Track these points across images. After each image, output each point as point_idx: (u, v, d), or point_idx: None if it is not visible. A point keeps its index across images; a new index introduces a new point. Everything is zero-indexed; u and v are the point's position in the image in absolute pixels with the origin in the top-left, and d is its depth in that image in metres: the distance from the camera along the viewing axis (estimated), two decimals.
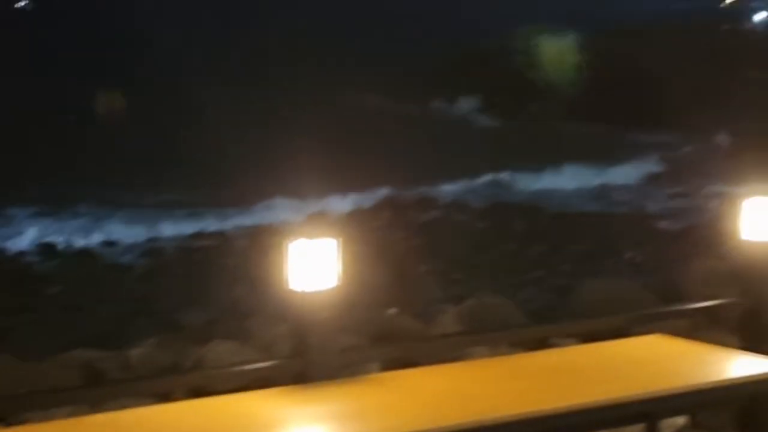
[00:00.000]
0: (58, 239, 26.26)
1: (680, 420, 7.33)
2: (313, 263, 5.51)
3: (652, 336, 6.33)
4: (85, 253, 25.20)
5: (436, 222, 26.78)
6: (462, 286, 19.27)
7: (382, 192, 30.15)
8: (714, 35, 72.58)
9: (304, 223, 22.62)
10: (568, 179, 34.92)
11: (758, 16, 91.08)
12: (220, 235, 26.13)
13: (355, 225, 25.08)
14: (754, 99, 44.69)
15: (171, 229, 27.09)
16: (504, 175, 35.04)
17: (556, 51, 63.76)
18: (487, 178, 34.63)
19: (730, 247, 6.09)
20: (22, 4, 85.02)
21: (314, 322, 5.57)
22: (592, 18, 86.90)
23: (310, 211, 27.00)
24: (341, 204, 28.82)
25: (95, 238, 26.60)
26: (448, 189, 32.11)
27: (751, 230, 5.69)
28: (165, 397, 6.30)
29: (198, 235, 26.16)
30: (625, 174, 35.77)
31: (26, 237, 26.47)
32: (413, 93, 59.50)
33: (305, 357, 5.72)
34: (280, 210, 27.84)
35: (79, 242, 26.30)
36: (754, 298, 6.04)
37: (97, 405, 6.13)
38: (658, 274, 13.92)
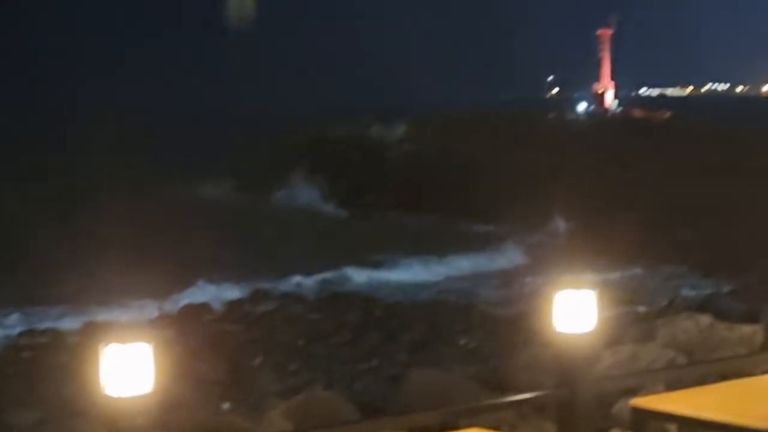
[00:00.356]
0: None
1: None
2: (126, 368, 5.38)
3: (473, 430, 6.34)
4: None
5: (272, 314, 26.59)
6: (297, 378, 19.19)
7: (218, 285, 30.01)
8: (540, 124, 75.28)
9: (127, 324, 22.31)
10: (403, 269, 35.37)
11: (580, 107, 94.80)
12: (52, 332, 25.41)
13: (189, 320, 24.89)
14: (582, 185, 46.22)
15: None
16: (341, 265, 35.25)
17: (391, 140, 64.86)
18: (322, 267, 34.74)
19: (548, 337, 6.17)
20: None
21: (129, 428, 5.43)
22: (423, 107, 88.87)
23: (136, 310, 26.74)
24: (174, 300, 28.46)
25: None
26: (286, 279, 32.17)
27: (563, 322, 5.77)
28: None
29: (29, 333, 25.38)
30: (458, 264, 36.31)
31: None
32: (252, 182, 59.65)
33: None
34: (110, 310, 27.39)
35: None
36: (568, 389, 6.12)
37: None
38: (488, 361, 14.13)
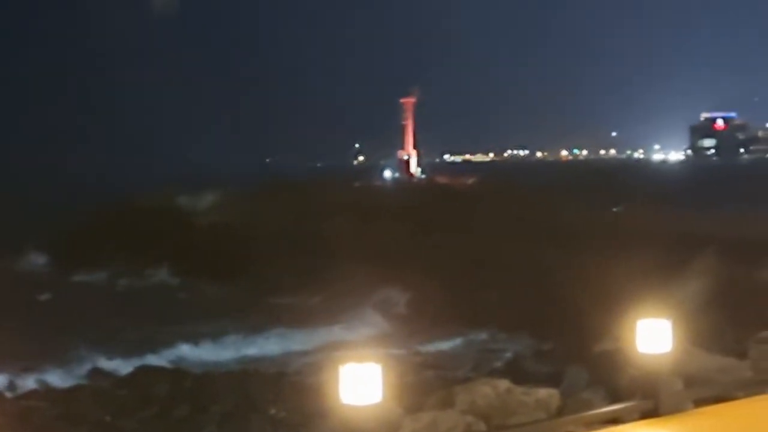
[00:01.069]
0: None
1: None
2: None
3: None
4: None
5: (76, 391, 26.01)
6: None
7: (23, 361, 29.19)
8: (348, 191, 76.15)
9: None
10: (214, 343, 35.08)
11: (386, 173, 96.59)
12: None
13: None
14: (391, 253, 46.86)
15: None
16: (152, 337, 34.84)
17: (199, 210, 64.53)
18: (132, 340, 34.27)
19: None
20: None
21: None
22: (231, 176, 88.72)
23: None
24: None
25: None
26: (92, 355, 31.57)
27: (349, 394, 5.91)
28: None
29: None
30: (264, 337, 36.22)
31: None
32: (56, 256, 58.14)
33: None
34: None
35: None
36: None
37: None
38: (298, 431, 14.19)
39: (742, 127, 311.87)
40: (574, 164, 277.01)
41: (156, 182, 74.82)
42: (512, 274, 40.65)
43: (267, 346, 34.98)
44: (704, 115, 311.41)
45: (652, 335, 7.00)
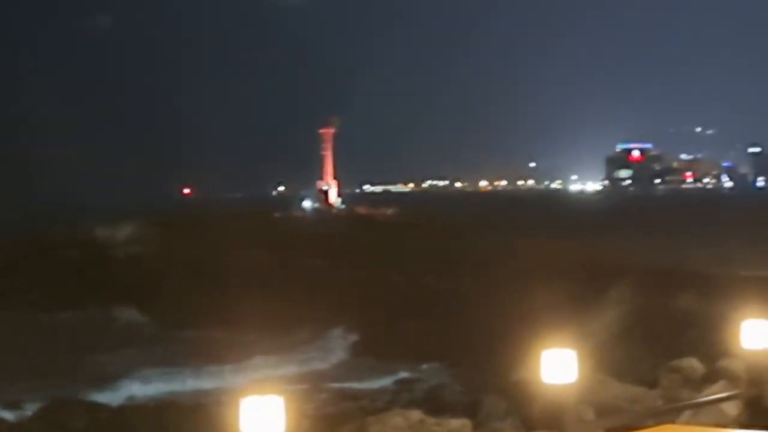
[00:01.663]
0: None
1: None
2: None
3: None
4: None
5: None
6: None
7: None
8: (267, 222, 76.01)
9: None
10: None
11: (306, 204, 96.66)
12: None
13: None
14: (311, 284, 46.85)
15: None
16: (71, 370, 34.50)
17: (116, 242, 63.93)
18: (50, 374, 33.93)
19: None
20: None
21: None
22: (147, 206, 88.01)
23: None
24: None
25: None
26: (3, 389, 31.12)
27: (250, 428, 5.93)
28: None
29: None
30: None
31: None
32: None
33: None
34: None
35: None
36: None
37: None
38: None
39: (657, 158, 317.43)
40: (494, 195, 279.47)
41: (70, 215, 73.88)
42: (432, 305, 40.88)
43: (185, 379, 34.67)
44: (620, 146, 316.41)
45: (557, 366, 7.13)
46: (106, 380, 34.05)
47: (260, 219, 73.90)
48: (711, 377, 18.25)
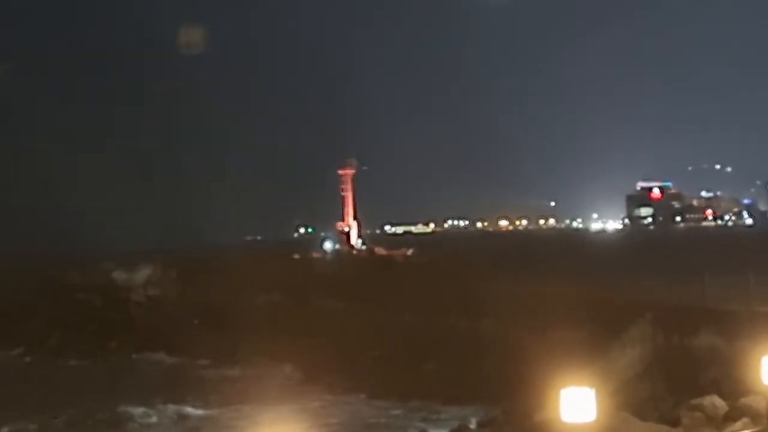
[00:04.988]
0: None
1: None
2: None
3: None
4: None
5: None
6: None
7: None
8: (286, 262, 76.18)
9: None
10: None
11: (327, 245, 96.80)
12: None
13: None
14: (330, 327, 46.79)
15: None
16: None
17: (134, 284, 64.08)
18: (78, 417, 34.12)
19: None
20: None
21: None
22: (166, 251, 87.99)
23: None
24: None
25: None
26: None
27: None
28: None
29: None
30: None
31: None
32: None
33: None
34: None
35: None
36: None
37: None
38: None
39: (677, 196, 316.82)
40: (515, 234, 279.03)
41: (90, 258, 73.98)
42: (452, 345, 40.76)
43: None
44: (640, 184, 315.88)
45: (576, 404, 7.11)
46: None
47: (279, 261, 74.01)
48: (733, 415, 18.14)
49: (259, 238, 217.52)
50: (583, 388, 7.15)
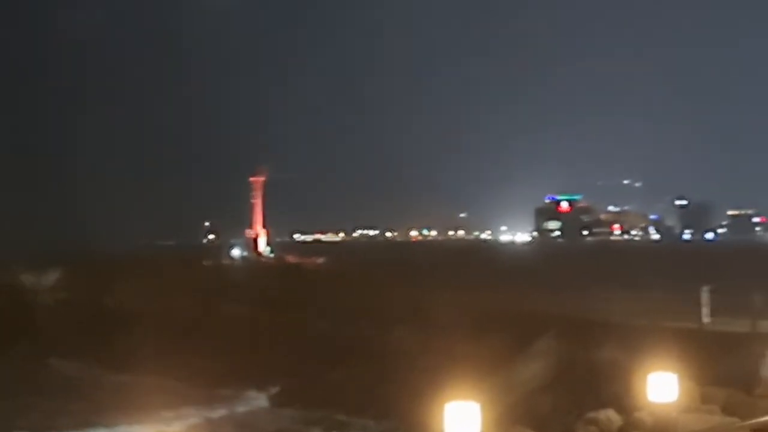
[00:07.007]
0: None
1: None
2: None
3: None
4: None
5: None
6: None
7: None
8: (197, 270, 75.76)
9: None
10: None
11: (235, 252, 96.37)
12: None
13: None
14: (238, 333, 46.59)
15: None
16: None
17: (42, 287, 63.16)
18: None
19: None
20: None
21: None
22: (78, 253, 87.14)
23: None
24: None
25: None
26: None
27: None
28: None
29: None
30: None
31: None
32: None
33: None
34: None
35: None
36: None
37: None
38: None
39: (585, 210, 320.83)
40: (424, 244, 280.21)
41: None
42: (361, 354, 40.80)
43: None
44: (549, 197, 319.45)
45: (461, 419, 7.20)
46: None
47: (190, 266, 73.61)
48: (626, 429, 18.45)
49: (170, 243, 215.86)
50: (468, 402, 7.23)
